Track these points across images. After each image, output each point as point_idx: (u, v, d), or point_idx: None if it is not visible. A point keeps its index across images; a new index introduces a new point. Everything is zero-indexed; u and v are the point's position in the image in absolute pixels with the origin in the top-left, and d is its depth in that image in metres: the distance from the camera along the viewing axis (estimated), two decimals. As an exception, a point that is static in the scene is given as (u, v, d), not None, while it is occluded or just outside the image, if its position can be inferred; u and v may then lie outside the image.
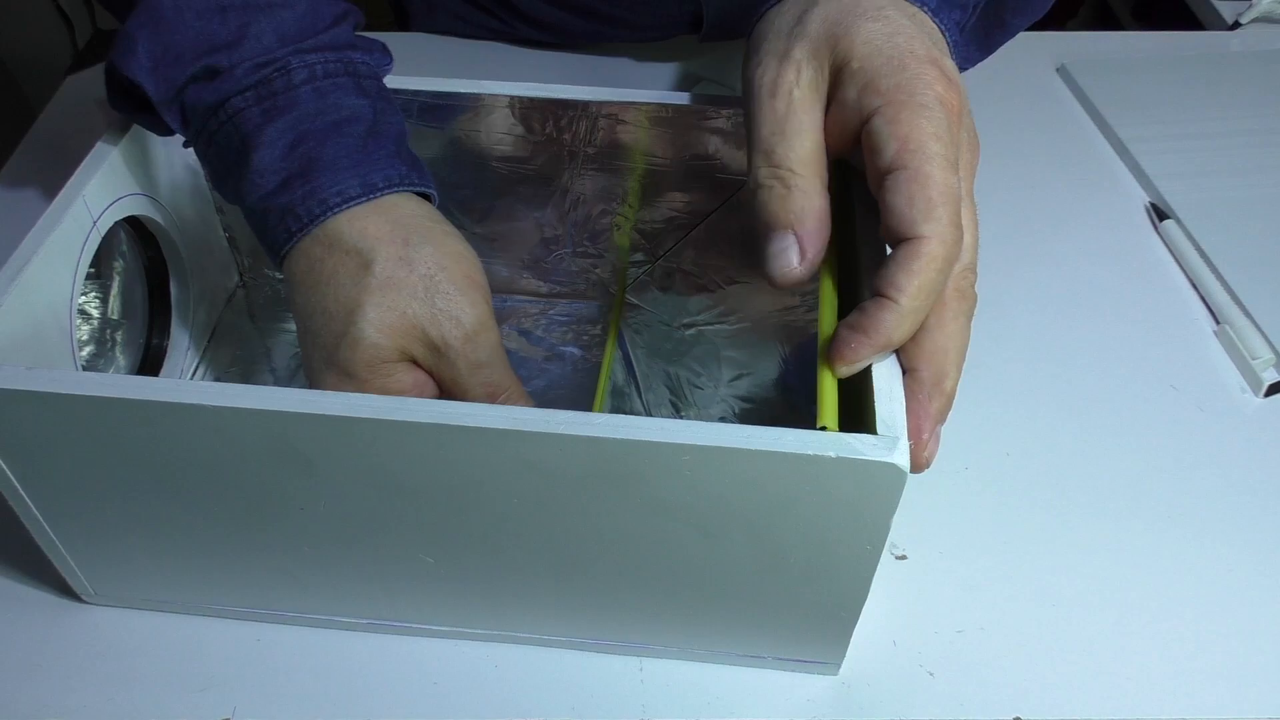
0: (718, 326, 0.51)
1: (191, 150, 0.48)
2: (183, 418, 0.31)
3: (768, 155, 0.33)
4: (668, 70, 0.68)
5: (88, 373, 0.33)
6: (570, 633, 0.40)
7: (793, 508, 0.31)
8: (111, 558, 0.39)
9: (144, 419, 0.31)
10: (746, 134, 0.34)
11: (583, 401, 0.48)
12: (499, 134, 0.46)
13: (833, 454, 0.29)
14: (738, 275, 0.50)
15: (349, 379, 0.36)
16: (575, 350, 0.51)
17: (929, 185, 0.30)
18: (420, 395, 0.37)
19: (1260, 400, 0.50)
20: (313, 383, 0.37)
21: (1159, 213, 0.59)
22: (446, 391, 0.37)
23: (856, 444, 0.30)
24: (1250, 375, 0.51)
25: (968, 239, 0.32)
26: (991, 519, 0.45)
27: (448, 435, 0.30)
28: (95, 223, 0.40)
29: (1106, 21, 1.08)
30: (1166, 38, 0.74)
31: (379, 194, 0.37)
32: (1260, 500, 0.46)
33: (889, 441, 0.30)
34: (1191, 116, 0.66)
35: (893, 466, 0.29)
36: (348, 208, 0.36)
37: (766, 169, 0.33)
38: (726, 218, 0.48)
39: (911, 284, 0.30)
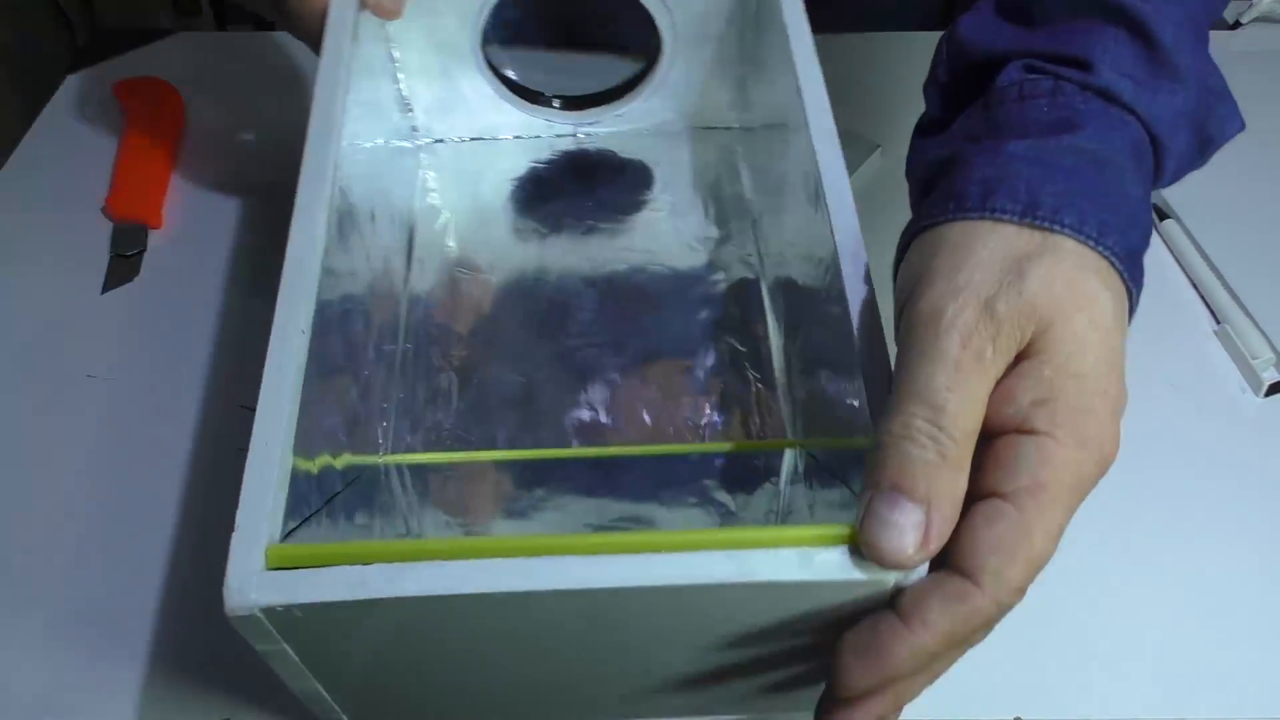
0: None
1: None
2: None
3: (937, 410, 0.27)
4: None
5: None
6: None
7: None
8: None
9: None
10: (899, 358, 0.29)
11: None
12: None
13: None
14: None
15: None
16: None
17: (1025, 543, 0.27)
18: None
19: (1260, 400, 0.50)
20: None
21: (1159, 213, 0.59)
22: None
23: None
24: (1250, 375, 0.51)
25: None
26: (991, 519, 0.45)
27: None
28: None
29: (1107, 21, 1.08)
30: (1167, 37, 0.74)
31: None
32: (1260, 500, 0.46)
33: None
34: (1191, 116, 0.66)
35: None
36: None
37: (926, 423, 0.27)
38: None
39: (943, 623, 0.26)
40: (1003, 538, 0.26)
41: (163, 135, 0.63)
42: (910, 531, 0.26)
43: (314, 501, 0.34)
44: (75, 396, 0.51)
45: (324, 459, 0.35)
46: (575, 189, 0.55)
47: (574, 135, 0.57)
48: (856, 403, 0.32)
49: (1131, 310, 0.30)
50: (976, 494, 0.27)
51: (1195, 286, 0.55)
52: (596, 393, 0.46)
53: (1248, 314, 0.53)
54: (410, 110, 0.55)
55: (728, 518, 0.43)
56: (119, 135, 0.63)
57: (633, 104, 0.55)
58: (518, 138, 0.57)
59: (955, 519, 0.27)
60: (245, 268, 0.56)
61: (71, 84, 0.67)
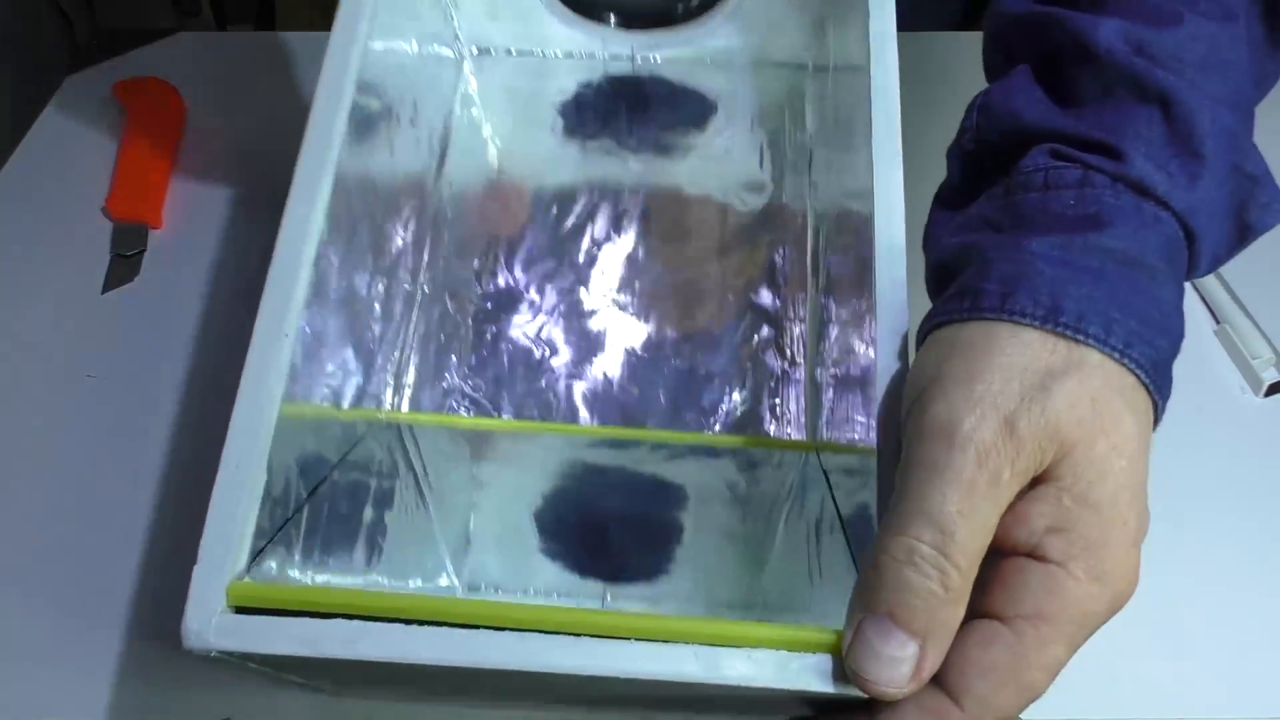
0: None
1: None
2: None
3: (946, 535, 0.25)
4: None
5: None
6: None
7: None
8: None
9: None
10: (904, 468, 0.26)
11: None
12: None
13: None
14: None
15: None
16: None
17: (1017, 672, 0.25)
18: None
19: (1260, 400, 0.50)
20: None
21: (1159, 213, 0.59)
22: None
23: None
24: (1250, 375, 0.51)
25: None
26: (991, 519, 0.45)
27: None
28: None
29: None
30: (1166, 38, 0.74)
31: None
32: (1260, 500, 0.46)
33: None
34: (1191, 116, 0.65)
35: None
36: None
37: (933, 550, 0.25)
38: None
39: None
40: (995, 663, 0.25)
41: (163, 135, 0.63)
42: (904, 665, 0.25)
43: (296, 497, 0.33)
44: (75, 396, 0.51)
45: (315, 433, 0.34)
46: (625, 118, 0.50)
47: (630, 58, 0.50)
48: (867, 415, 0.31)
49: (1156, 421, 0.28)
50: (974, 612, 0.26)
51: (1195, 286, 0.55)
52: (616, 360, 0.44)
53: (1248, 314, 0.53)
54: (452, 15, 0.50)
55: (737, 499, 0.42)
56: (119, 135, 0.63)
57: (698, 29, 0.49)
58: (569, 55, 0.51)
59: (949, 644, 0.25)
60: (246, 267, 0.56)
61: (71, 84, 0.67)
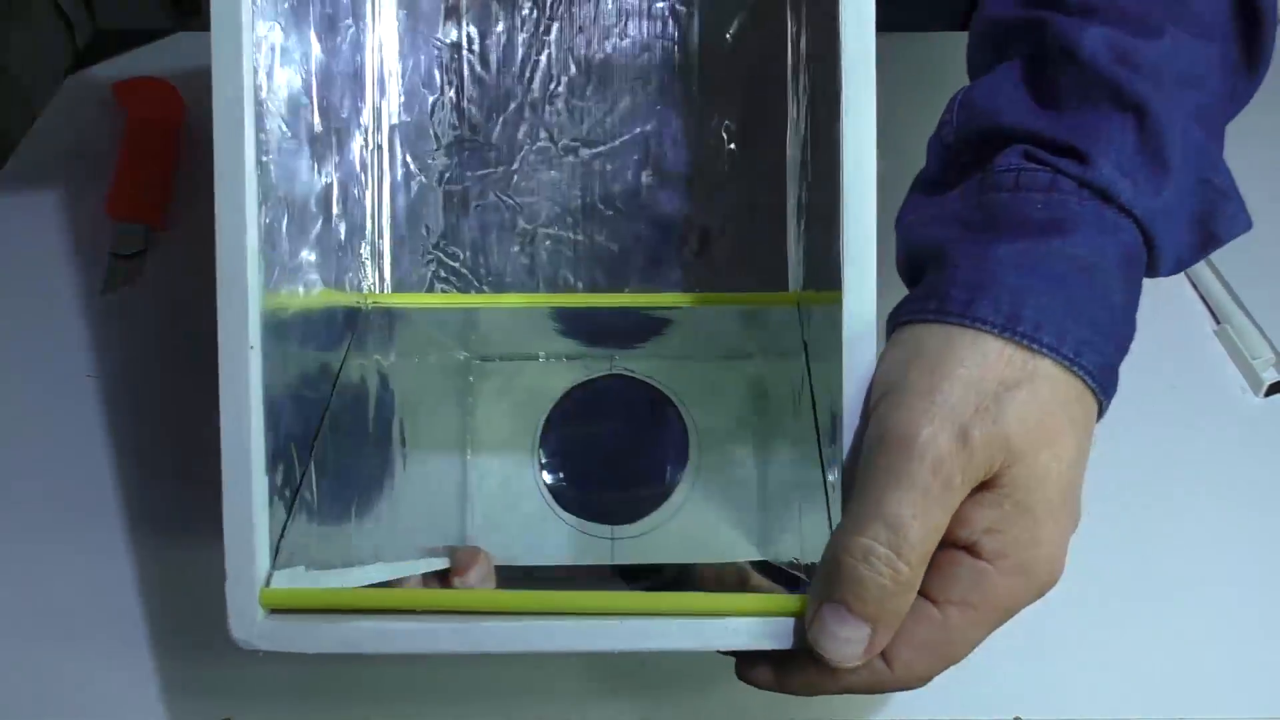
0: None
1: None
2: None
3: (900, 536, 0.27)
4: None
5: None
6: None
7: None
8: None
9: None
10: (864, 471, 0.29)
11: None
12: None
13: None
14: None
15: None
16: None
17: (942, 648, 0.29)
18: None
19: (1260, 400, 0.50)
20: None
21: (1159, 213, 0.59)
22: None
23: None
24: (1250, 375, 0.51)
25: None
26: (991, 519, 0.45)
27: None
28: None
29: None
30: (1166, 38, 0.74)
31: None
32: (1260, 500, 0.46)
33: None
34: (1191, 116, 0.65)
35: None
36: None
37: (887, 549, 0.27)
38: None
39: (849, 682, 0.30)
40: (923, 639, 0.29)
41: (163, 135, 0.63)
42: (857, 646, 0.28)
43: (312, 422, 0.34)
44: (75, 396, 0.51)
45: (304, 332, 0.34)
46: None
47: None
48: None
49: (1100, 414, 0.31)
50: None
51: (1195, 286, 0.55)
52: (592, 214, 0.42)
53: (1248, 314, 0.53)
54: None
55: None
56: (119, 135, 0.63)
57: None
58: None
59: (899, 625, 0.29)
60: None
61: (71, 84, 0.67)
